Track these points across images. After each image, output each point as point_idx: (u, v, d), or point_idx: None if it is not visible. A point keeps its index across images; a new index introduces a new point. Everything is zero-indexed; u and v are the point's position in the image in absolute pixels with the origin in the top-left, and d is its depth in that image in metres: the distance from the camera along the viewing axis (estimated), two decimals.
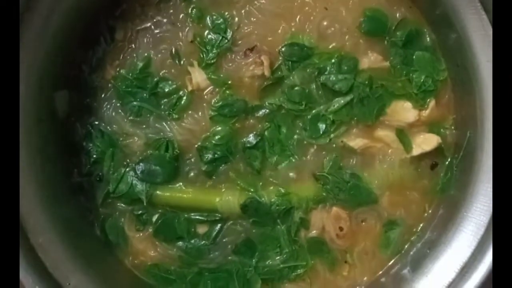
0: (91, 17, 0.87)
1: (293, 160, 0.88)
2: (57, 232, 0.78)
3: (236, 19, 0.88)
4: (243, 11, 0.88)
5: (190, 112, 0.88)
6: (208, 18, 0.88)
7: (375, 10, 0.88)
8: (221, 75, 0.87)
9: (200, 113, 0.88)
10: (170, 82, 0.88)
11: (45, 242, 0.75)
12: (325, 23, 0.87)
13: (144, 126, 0.88)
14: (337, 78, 0.86)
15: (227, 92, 0.87)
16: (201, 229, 0.88)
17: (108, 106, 0.89)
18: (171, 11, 0.89)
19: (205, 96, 0.88)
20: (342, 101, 0.87)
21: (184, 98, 0.87)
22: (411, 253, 0.88)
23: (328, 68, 0.86)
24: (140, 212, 0.88)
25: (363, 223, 0.89)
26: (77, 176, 0.88)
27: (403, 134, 0.88)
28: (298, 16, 0.87)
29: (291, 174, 0.88)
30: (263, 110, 0.87)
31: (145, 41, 0.88)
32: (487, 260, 0.72)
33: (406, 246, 0.89)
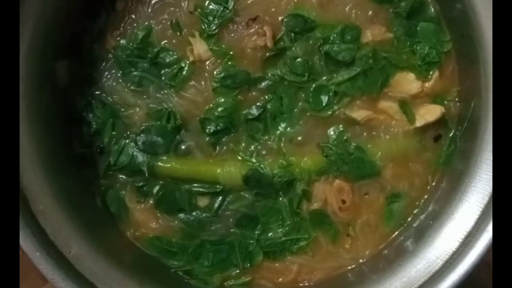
0: None
1: (296, 132, 0.87)
2: (58, 201, 0.77)
3: None
4: None
5: (192, 83, 0.87)
6: None
7: None
8: (223, 46, 0.86)
9: (202, 83, 0.87)
10: (171, 52, 0.87)
11: (46, 210, 0.74)
12: None
13: (145, 96, 0.87)
14: (340, 48, 0.85)
15: (229, 63, 0.86)
16: (202, 201, 0.87)
17: (109, 76, 0.88)
18: None
19: (207, 67, 0.87)
20: (346, 76, 0.86)
21: (186, 69, 0.86)
22: (414, 225, 0.87)
23: (331, 37, 0.85)
24: (141, 183, 0.87)
25: (366, 196, 0.88)
26: (78, 147, 0.87)
27: (406, 106, 0.87)
28: None
29: (293, 145, 0.87)
30: (266, 82, 0.86)
31: (145, 11, 0.87)
32: (491, 229, 0.71)
33: (409, 219, 0.88)
